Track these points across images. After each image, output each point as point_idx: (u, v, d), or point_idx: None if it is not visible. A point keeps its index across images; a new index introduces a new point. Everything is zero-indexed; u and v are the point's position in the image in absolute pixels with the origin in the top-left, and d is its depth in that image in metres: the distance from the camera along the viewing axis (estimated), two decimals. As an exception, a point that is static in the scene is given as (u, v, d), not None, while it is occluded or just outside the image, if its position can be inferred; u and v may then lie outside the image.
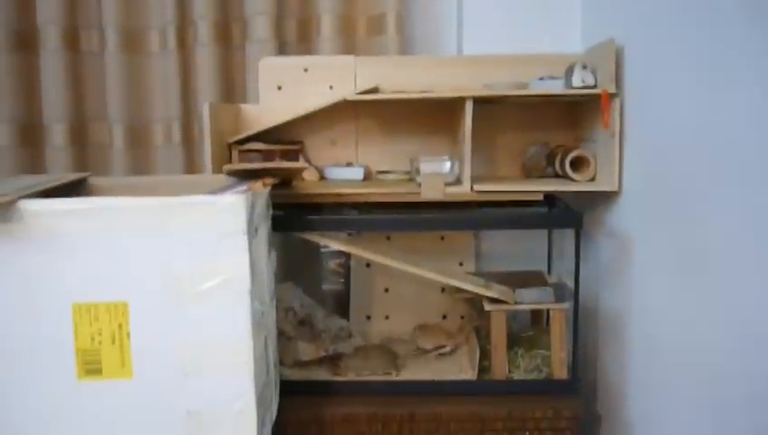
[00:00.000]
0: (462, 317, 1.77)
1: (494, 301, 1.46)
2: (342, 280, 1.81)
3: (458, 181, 1.55)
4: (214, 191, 1.13)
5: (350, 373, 1.51)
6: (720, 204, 1.05)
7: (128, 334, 1.06)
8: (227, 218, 1.05)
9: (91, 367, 1.06)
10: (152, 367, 1.07)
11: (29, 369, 1.07)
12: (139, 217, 1.04)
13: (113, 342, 1.06)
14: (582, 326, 1.84)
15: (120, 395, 1.07)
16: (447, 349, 1.62)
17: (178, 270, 1.05)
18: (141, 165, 1.87)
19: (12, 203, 1.01)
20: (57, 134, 1.82)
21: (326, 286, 1.84)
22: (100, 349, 1.06)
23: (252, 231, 1.10)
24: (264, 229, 1.22)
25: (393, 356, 1.58)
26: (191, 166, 1.88)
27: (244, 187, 1.22)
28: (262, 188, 1.22)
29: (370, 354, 1.56)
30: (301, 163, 1.44)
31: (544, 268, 1.76)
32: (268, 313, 1.23)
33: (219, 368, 1.08)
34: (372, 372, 1.51)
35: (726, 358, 1.04)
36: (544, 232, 1.77)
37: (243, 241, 1.06)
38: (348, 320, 1.73)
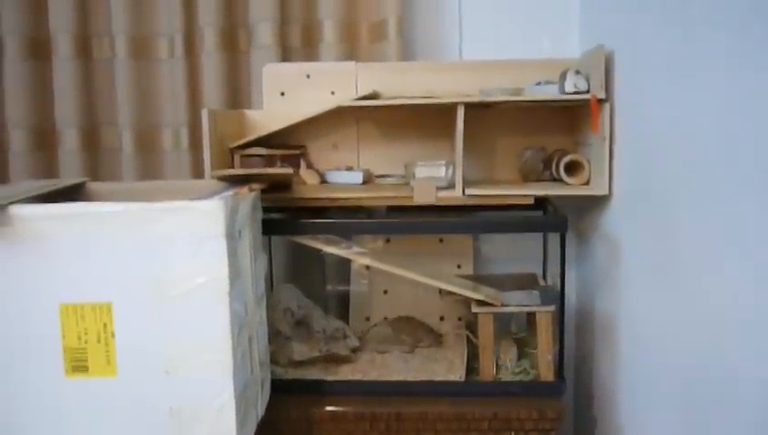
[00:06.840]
0: (459, 319, 1.79)
1: (481, 303, 1.48)
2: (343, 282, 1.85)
3: (452, 185, 1.57)
4: (201, 196, 1.17)
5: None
6: (695, 208, 1.07)
7: (112, 334, 1.10)
8: (207, 223, 1.09)
9: (77, 365, 1.11)
10: (136, 365, 1.12)
11: (20, 366, 1.11)
12: (122, 222, 1.08)
13: (99, 340, 1.10)
14: (580, 329, 1.86)
15: (105, 392, 1.12)
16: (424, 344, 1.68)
17: (160, 272, 1.09)
18: (151, 169, 1.91)
19: (2, 208, 1.06)
20: (69, 139, 1.87)
21: (327, 288, 1.88)
22: (86, 347, 1.11)
23: (234, 235, 1.14)
24: (250, 232, 1.26)
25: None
26: (199, 170, 1.90)
27: (233, 192, 1.25)
28: (248, 193, 1.26)
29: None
30: (286, 169, 1.47)
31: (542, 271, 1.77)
32: (253, 313, 1.27)
33: (200, 366, 1.11)
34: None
35: (701, 360, 1.05)
36: (542, 235, 1.78)
37: (222, 244, 1.09)
38: (347, 321, 1.76)
